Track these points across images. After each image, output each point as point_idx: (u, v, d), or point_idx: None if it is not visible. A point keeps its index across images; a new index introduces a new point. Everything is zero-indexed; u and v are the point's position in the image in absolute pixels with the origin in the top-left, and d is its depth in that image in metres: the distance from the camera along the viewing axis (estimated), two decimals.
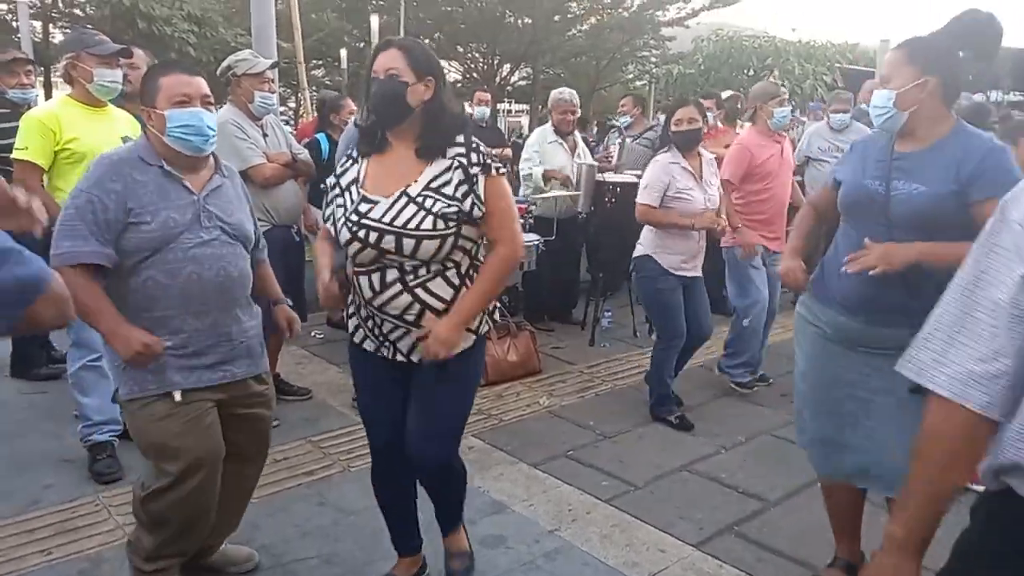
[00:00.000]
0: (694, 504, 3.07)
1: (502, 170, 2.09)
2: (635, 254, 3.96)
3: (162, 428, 2.14)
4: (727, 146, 5.49)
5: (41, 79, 20.28)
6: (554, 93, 5.39)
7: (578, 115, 5.42)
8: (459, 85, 27.28)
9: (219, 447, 2.24)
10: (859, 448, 2.30)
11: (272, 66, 3.70)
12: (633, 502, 3.07)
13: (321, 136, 5.01)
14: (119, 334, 2.07)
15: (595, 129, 12.80)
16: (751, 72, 18.82)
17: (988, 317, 1.11)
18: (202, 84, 2.17)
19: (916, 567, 1.22)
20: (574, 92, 5.40)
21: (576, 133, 5.49)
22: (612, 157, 6.35)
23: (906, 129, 2.16)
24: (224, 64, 3.67)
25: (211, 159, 2.26)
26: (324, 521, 2.87)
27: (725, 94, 6.75)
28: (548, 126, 5.39)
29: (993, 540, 1.18)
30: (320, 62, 25.83)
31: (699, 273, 3.95)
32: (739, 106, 6.40)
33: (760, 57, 18.59)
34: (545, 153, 5.23)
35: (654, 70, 23.07)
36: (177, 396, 2.13)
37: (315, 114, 8.31)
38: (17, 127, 3.23)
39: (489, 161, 2.07)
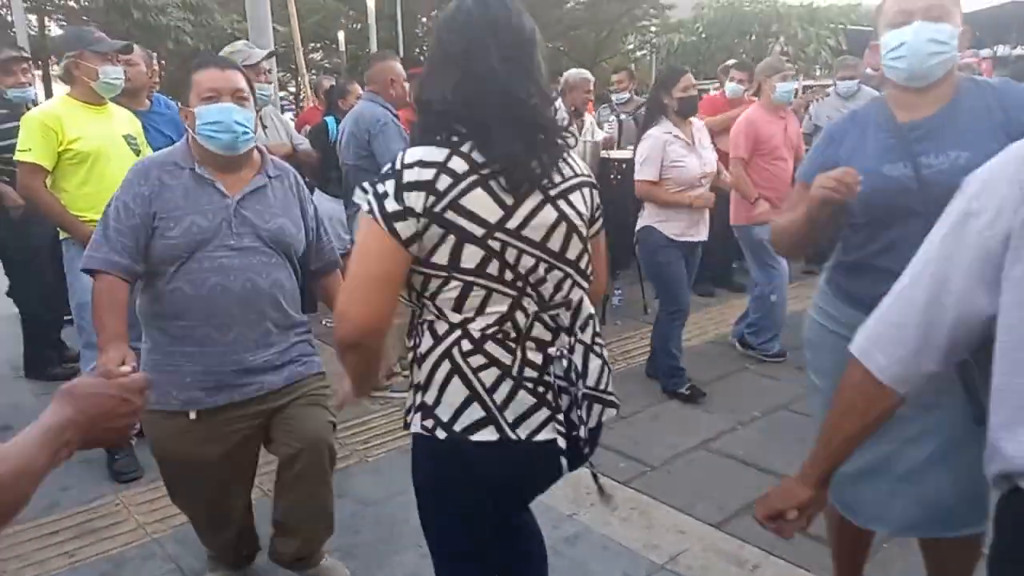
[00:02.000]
0: (712, 483, 3.07)
1: (368, 204, 1.38)
2: (637, 226, 4.01)
3: (176, 443, 2.09)
4: None
5: (39, 73, 20.32)
6: (574, 72, 5.35)
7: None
8: None
9: (228, 465, 2.18)
10: (899, 489, 1.83)
11: (268, 56, 3.66)
12: (651, 483, 3.07)
13: (329, 119, 5.04)
14: (106, 351, 2.00)
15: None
16: (753, 38, 18.56)
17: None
18: (234, 78, 2.04)
19: (812, 495, 1.40)
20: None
21: (586, 114, 5.45)
22: (613, 134, 6.29)
23: (927, 85, 1.76)
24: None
25: (256, 157, 2.14)
26: (343, 513, 2.87)
27: (730, 63, 6.66)
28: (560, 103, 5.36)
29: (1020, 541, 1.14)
30: (318, 45, 25.73)
31: (703, 237, 3.99)
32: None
33: (762, 23, 18.30)
34: None
35: (654, 40, 22.82)
36: (192, 415, 2.06)
37: (315, 99, 8.30)
38: (17, 127, 3.21)
39: (365, 185, 1.41)
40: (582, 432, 1.46)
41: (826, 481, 1.40)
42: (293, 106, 18.38)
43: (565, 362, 1.44)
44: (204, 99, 1.99)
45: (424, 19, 26.28)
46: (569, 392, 1.44)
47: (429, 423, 1.45)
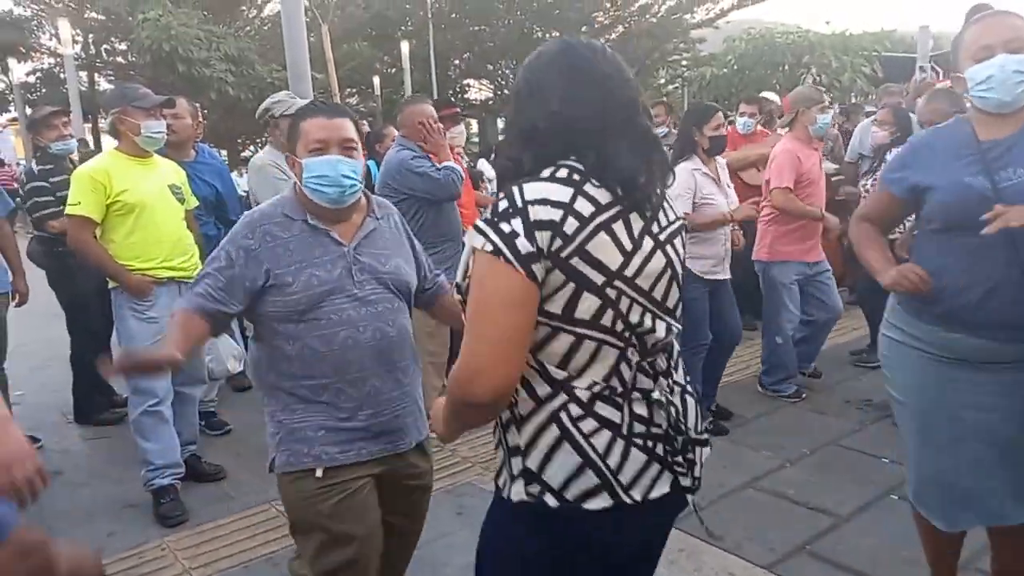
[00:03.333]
0: (762, 523, 2.98)
1: (494, 245, 1.24)
2: None
3: (314, 506, 1.94)
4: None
5: (89, 126, 21.14)
6: None
7: None
8: (491, 103, 27.60)
9: (375, 527, 2.03)
10: (985, 489, 2.01)
11: None
12: (698, 524, 2.98)
13: (371, 163, 5.17)
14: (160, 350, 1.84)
15: None
16: (786, 68, 18.50)
17: None
18: (343, 127, 1.93)
19: None
20: None
21: None
22: None
23: (1012, 111, 1.91)
24: (262, 107, 3.73)
25: (363, 200, 2.04)
26: None
27: (770, 95, 6.64)
28: None
29: None
30: (354, 90, 26.32)
31: (728, 275, 3.97)
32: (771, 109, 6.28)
33: (794, 53, 18.26)
34: None
35: (686, 74, 22.96)
36: (319, 472, 1.93)
37: None
38: (61, 180, 3.29)
39: (481, 225, 1.28)
40: (690, 479, 1.38)
41: None
42: None
43: (674, 409, 1.36)
44: (312, 151, 1.89)
45: (457, 61, 26.80)
46: (677, 440, 1.36)
47: (535, 489, 1.34)
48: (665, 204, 1.41)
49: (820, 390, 4.41)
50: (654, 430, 1.35)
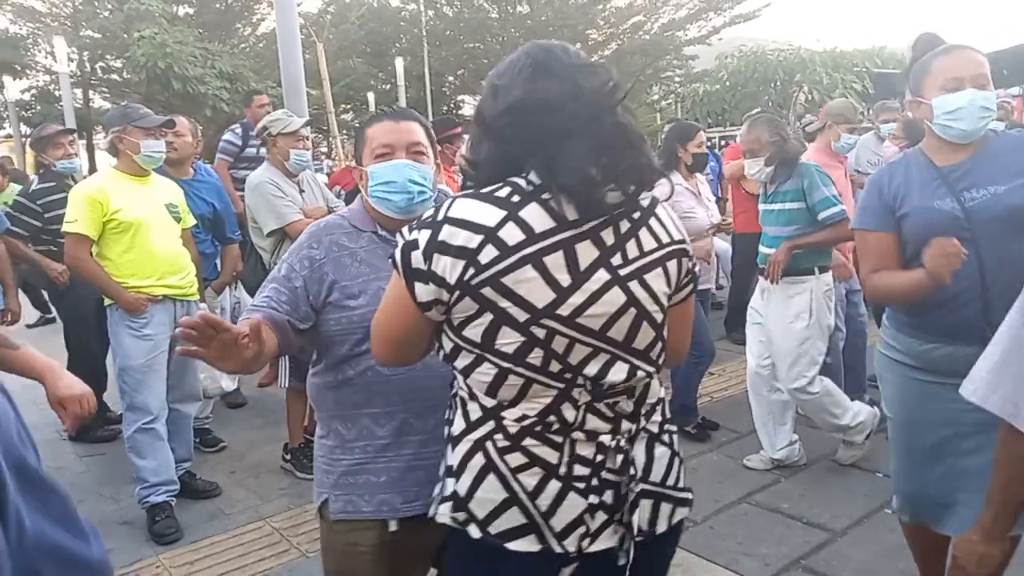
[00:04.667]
0: (757, 538, 2.99)
1: (409, 248, 1.23)
2: None
3: (366, 565, 1.67)
4: None
5: (83, 143, 21.14)
6: None
7: None
8: None
9: None
10: (961, 500, 2.05)
11: (305, 124, 3.79)
12: (693, 538, 3.00)
13: None
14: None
15: None
16: (777, 84, 18.65)
17: None
18: (411, 130, 1.74)
19: (1000, 548, 1.47)
20: None
21: None
22: None
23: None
24: (259, 125, 3.76)
25: None
26: None
27: (755, 111, 6.71)
28: None
29: None
30: (349, 106, 26.43)
31: (711, 285, 4.16)
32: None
33: (786, 69, 18.40)
34: None
35: (679, 90, 23.13)
36: (393, 526, 1.64)
37: (348, 161, 8.53)
38: (61, 198, 3.32)
39: (405, 228, 1.27)
40: (641, 534, 1.24)
41: (1007, 532, 1.52)
42: (326, 163, 18.89)
43: (622, 457, 1.22)
44: (377, 156, 1.71)
45: (451, 78, 26.96)
46: (632, 491, 1.23)
47: (461, 516, 1.25)
48: (648, 228, 1.25)
49: None
50: (605, 475, 1.22)
